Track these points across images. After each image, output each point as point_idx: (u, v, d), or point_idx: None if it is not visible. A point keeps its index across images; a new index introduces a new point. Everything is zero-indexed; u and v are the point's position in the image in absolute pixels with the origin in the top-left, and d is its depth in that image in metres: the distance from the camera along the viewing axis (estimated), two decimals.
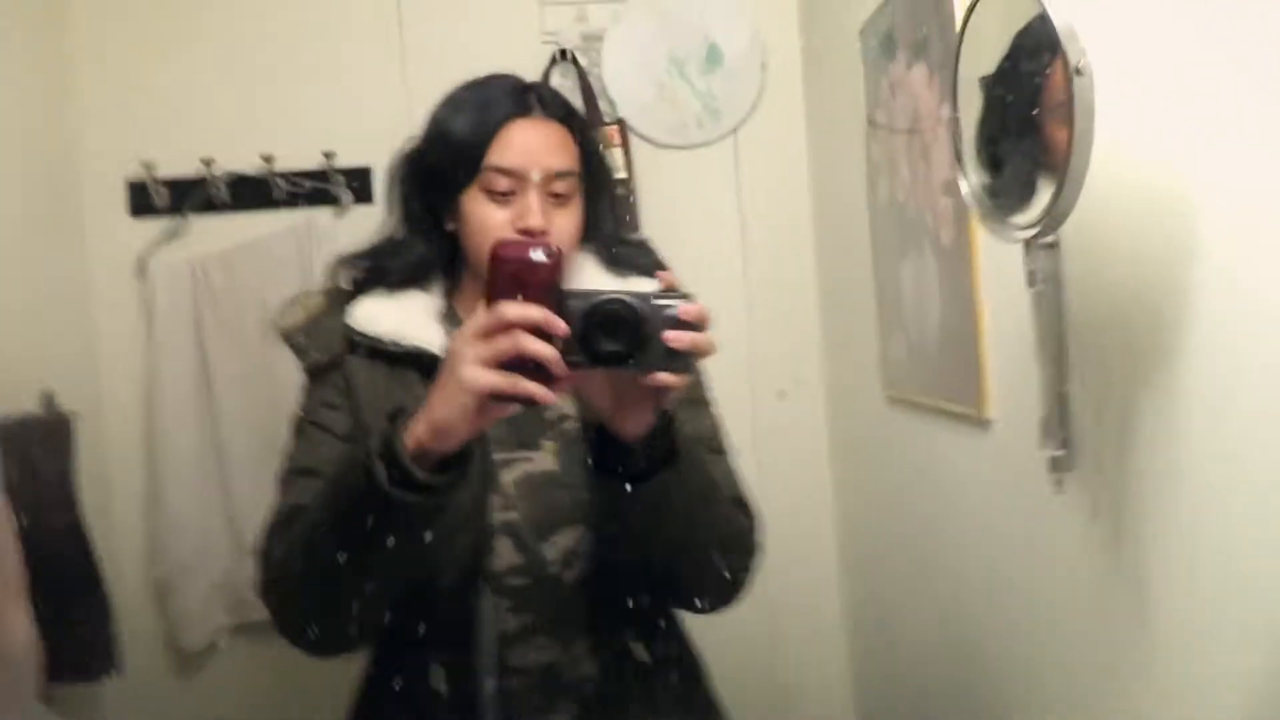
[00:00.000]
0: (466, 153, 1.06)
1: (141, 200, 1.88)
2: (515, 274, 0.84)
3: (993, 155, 0.86)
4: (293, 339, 1.12)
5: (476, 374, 0.83)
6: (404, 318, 1.08)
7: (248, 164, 1.89)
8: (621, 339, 0.84)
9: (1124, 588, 0.88)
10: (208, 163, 1.87)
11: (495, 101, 1.08)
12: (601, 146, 1.21)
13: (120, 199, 1.88)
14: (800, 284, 2.02)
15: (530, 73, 1.13)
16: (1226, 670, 0.74)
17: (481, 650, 1.04)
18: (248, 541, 1.82)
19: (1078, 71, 0.71)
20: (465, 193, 1.07)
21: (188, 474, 1.82)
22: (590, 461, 0.95)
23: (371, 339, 1.07)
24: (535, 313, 0.82)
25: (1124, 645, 0.89)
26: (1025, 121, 0.80)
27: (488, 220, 1.05)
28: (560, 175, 1.06)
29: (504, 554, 1.05)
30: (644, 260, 1.13)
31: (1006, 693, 1.22)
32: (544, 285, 0.83)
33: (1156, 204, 0.80)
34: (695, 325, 0.85)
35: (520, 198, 1.05)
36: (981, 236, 1.18)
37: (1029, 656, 1.14)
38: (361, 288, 1.12)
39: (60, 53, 1.85)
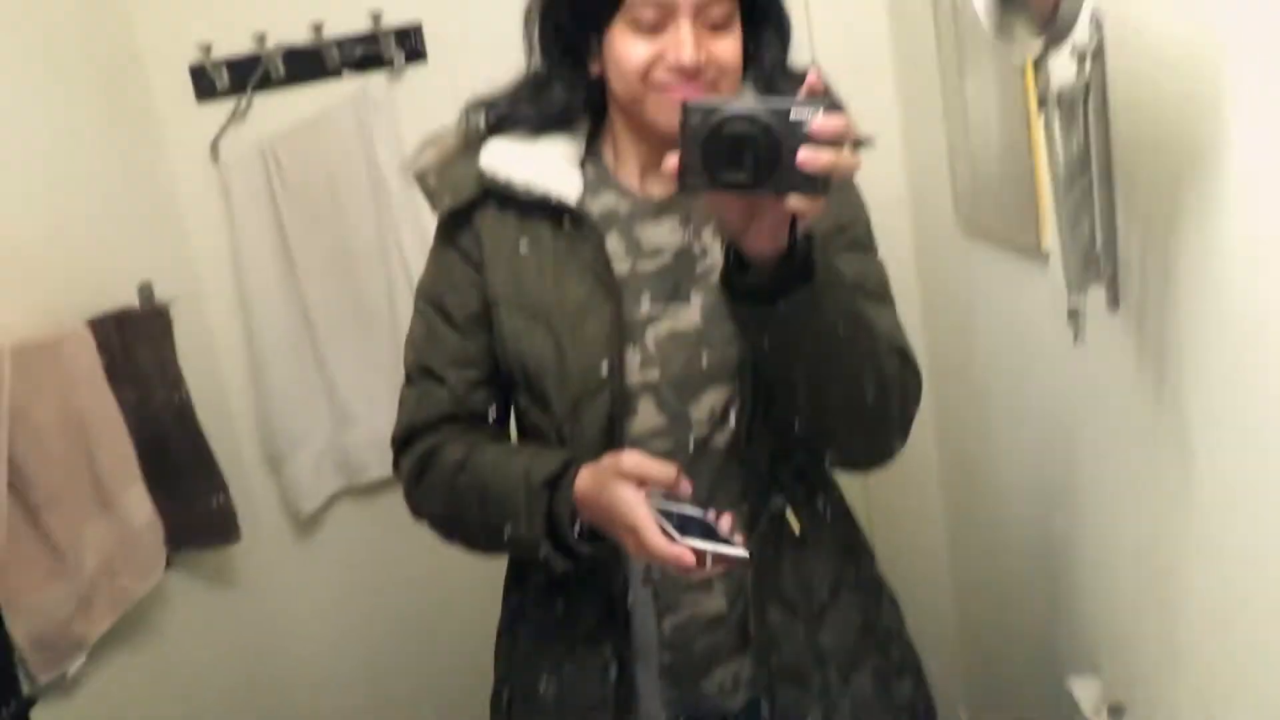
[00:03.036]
0: None
1: (205, 84, 1.89)
2: None
3: None
4: (424, 182, 1.05)
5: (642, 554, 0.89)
6: (540, 163, 1.00)
7: (300, 35, 1.87)
8: (746, 166, 0.74)
9: (1167, 436, 0.82)
10: (260, 39, 1.87)
11: None
12: None
13: (185, 85, 1.90)
14: (880, 111, 1.87)
15: None
16: (1271, 520, 0.69)
17: None
18: (347, 408, 1.93)
19: None
20: (609, 27, 0.96)
21: (283, 350, 1.90)
22: (720, 281, 0.86)
23: (502, 185, 1.00)
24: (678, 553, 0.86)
25: (1167, 491, 0.84)
26: None
27: (633, 56, 0.94)
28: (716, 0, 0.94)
29: (646, 416, 0.99)
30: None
31: (1061, 536, 1.18)
32: None
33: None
34: (834, 142, 0.74)
35: (671, 29, 0.93)
36: None
37: (1082, 502, 1.09)
38: (497, 131, 1.03)
39: None
